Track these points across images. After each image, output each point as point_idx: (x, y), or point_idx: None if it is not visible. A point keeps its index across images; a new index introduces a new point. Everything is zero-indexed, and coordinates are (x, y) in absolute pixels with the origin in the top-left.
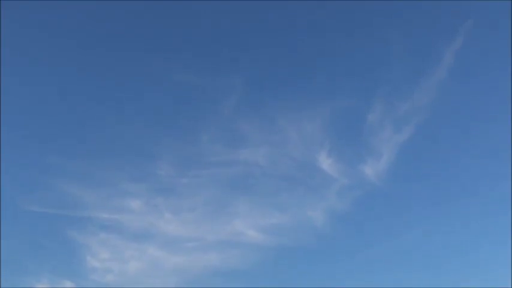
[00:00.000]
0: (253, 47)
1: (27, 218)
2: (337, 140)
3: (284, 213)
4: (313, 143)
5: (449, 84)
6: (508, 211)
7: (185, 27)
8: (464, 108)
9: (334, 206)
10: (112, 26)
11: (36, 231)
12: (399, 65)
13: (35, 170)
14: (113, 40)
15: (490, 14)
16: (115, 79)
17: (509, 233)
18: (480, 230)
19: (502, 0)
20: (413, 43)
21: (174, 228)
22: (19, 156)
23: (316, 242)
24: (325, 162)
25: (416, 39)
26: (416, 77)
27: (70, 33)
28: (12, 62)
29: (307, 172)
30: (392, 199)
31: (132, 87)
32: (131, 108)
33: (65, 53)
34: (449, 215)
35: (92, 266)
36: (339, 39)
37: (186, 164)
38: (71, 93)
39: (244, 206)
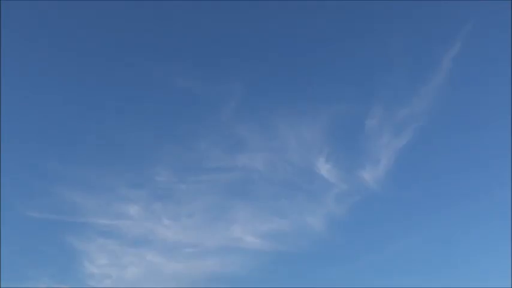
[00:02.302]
0: (253, 53)
1: (26, 224)
2: (335, 145)
3: (283, 219)
4: (311, 148)
5: (447, 89)
6: (506, 215)
7: (185, 33)
8: (463, 114)
9: (332, 212)
10: (112, 31)
11: (35, 237)
12: (398, 71)
13: (34, 176)
14: (113, 46)
15: (488, 18)
16: (115, 85)
17: (508, 234)
18: (479, 235)
19: (500, 4)
20: (412, 49)
21: (172, 234)
22: (18, 162)
23: (315, 247)
24: (324, 168)
25: (415, 45)
26: (414, 82)
27: (70, 38)
28: (12, 66)
29: (305, 178)
30: (391, 204)
31: (132, 93)
32: (130, 114)
33: (65, 57)
34: (448, 219)
35: (90, 272)
36: (337, 45)
37: (185, 169)
38: (70, 98)
39: (243, 211)
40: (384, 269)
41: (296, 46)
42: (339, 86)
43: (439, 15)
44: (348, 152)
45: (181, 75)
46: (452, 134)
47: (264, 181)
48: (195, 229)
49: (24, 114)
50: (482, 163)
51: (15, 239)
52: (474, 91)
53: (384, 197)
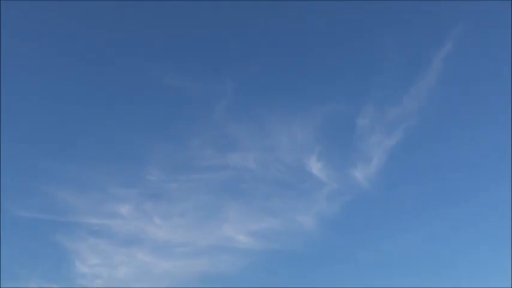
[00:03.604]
0: (245, 52)
1: (17, 223)
2: (327, 144)
3: (274, 218)
4: (303, 147)
5: (438, 89)
6: (502, 213)
7: (176, 31)
8: (454, 114)
9: (324, 211)
10: (103, 30)
11: (25, 236)
12: (390, 70)
13: (24, 175)
14: (104, 44)
15: (480, 18)
16: (106, 83)
17: (507, 234)
18: (472, 233)
19: (492, 4)
20: (403, 48)
21: (164, 233)
22: (9, 161)
23: (306, 246)
24: (316, 167)
25: (406, 45)
26: (406, 82)
27: (61, 37)
28: (5, 65)
29: (297, 176)
30: (382, 203)
31: (123, 92)
32: (121, 112)
33: (56, 57)
34: (440, 218)
35: (80, 271)
36: (329, 45)
37: (177, 168)
38: (61, 97)
39: (235, 210)
40: (375, 268)
41: (288, 45)
42: (331, 86)
43: (430, 15)
44: (340, 151)
45: (173, 74)
46: (444, 134)
47: (255, 180)
48: (186, 228)
49: (15, 113)
50: (474, 162)
51: (5, 238)
52: (465, 91)
53: (375, 196)
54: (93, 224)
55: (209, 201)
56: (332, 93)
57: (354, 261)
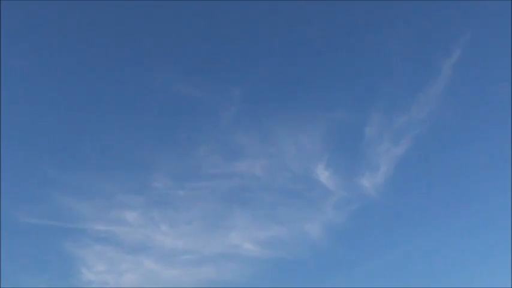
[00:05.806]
0: (252, 60)
1: (23, 230)
2: (334, 152)
3: (281, 226)
4: (310, 155)
5: (447, 97)
6: (506, 221)
7: (184, 39)
8: (462, 121)
9: (331, 219)
10: (109, 36)
11: (31, 243)
12: (397, 78)
13: (31, 182)
14: (110, 51)
15: (489, 24)
16: (113, 90)
17: (509, 241)
18: (479, 241)
19: (500, 10)
20: (411, 56)
21: (170, 241)
22: (15, 168)
23: (313, 255)
24: (323, 175)
25: (414, 52)
26: (414, 90)
27: (67, 44)
28: (11, 70)
29: (304, 185)
30: (390, 212)
31: (129, 99)
32: (128, 120)
33: (63, 63)
34: (447, 226)
35: (87, 279)
36: (336, 52)
37: (183, 176)
38: (67, 104)
39: (241, 218)
40: (382, 276)
41: (295, 53)
42: (338, 93)
43: (438, 21)
44: (347, 159)
45: (180, 82)
46: (452, 142)
47: (262, 188)
48: (192, 236)
49: (21, 119)
50: (482, 170)
51: (12, 245)
52: (474, 98)
53: (383, 205)
54: (100, 230)
55: (216, 209)
56: (339, 101)
57: (361, 270)
